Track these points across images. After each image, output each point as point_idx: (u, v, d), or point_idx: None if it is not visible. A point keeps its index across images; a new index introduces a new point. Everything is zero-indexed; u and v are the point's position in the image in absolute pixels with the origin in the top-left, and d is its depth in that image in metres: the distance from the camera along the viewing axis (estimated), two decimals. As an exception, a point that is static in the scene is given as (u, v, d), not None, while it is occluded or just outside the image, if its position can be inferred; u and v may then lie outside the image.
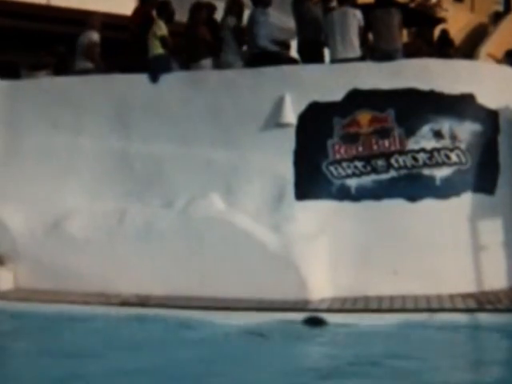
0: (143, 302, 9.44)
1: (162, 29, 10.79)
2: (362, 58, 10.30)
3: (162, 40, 10.71)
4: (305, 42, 10.73)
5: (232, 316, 8.87)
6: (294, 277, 9.42)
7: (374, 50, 10.40)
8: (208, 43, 10.87)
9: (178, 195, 10.15)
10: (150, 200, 10.23)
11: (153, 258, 9.83)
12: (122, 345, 8.10)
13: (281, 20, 12.31)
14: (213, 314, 8.95)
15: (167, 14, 11.04)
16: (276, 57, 10.48)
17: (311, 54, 10.47)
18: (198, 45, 10.85)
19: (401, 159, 9.79)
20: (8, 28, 13.06)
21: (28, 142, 10.91)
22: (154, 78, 10.58)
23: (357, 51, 10.29)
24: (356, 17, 10.34)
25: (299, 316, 8.76)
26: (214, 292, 9.42)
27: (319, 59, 10.39)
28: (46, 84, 11.19)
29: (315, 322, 8.69)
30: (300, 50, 10.88)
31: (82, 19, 11.70)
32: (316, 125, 9.97)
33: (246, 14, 11.14)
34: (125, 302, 9.45)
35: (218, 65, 10.90)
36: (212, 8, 11.63)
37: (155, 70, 10.64)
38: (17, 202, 10.55)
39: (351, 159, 9.88)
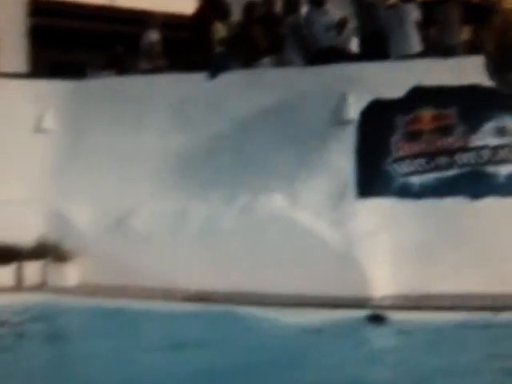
0: (205, 298, 9.54)
1: (219, 31, 10.92)
2: (424, 54, 10.24)
3: (220, 42, 10.84)
4: (367, 36, 10.70)
5: (293, 313, 8.90)
6: (356, 274, 9.42)
7: (436, 45, 10.34)
8: (264, 42, 10.92)
9: (239, 193, 10.22)
10: (211, 197, 10.33)
11: (215, 254, 9.94)
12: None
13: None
14: (274, 310, 8.98)
15: (222, 11, 11.13)
16: (334, 53, 10.45)
17: (374, 47, 10.42)
18: (255, 45, 10.92)
19: (464, 156, 9.73)
20: (74, 29, 13.32)
21: (92, 140, 11.13)
22: (212, 75, 10.68)
23: (416, 47, 10.24)
24: (413, 12, 10.29)
25: (361, 313, 8.75)
26: (276, 288, 9.46)
27: (383, 52, 10.31)
28: (109, 84, 11.38)
29: (377, 320, 8.67)
30: (362, 45, 10.85)
31: (144, 19, 11.88)
32: (378, 122, 9.96)
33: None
34: (187, 298, 9.57)
35: (279, 63, 10.95)
36: (270, 2, 11.61)
37: (213, 67, 10.74)
38: (82, 200, 10.77)
39: (414, 156, 9.84)
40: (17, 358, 7.94)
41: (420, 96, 9.84)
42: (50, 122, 11.28)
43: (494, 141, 9.67)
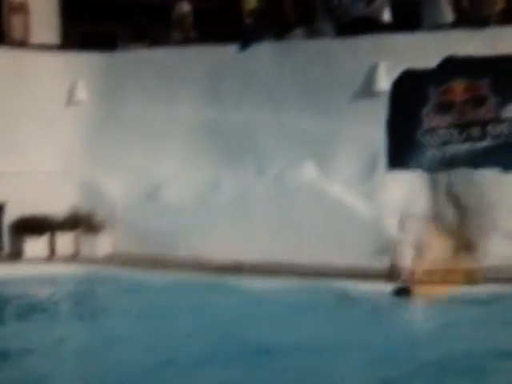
0: (236, 267, 9.59)
1: (249, 3, 10.92)
2: (457, 24, 10.13)
3: (250, 14, 10.81)
4: (398, 6, 10.60)
5: (322, 282, 8.93)
6: (385, 245, 9.40)
7: (469, 16, 10.22)
8: (295, 13, 10.87)
9: (270, 163, 10.26)
10: (243, 168, 10.36)
11: (245, 224, 9.98)
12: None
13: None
14: (303, 280, 9.03)
15: None
16: (365, 23, 10.37)
17: (406, 17, 10.32)
18: (286, 16, 10.88)
19: (497, 127, 9.63)
20: (105, 0, 13.28)
21: (125, 112, 11.20)
22: (243, 47, 10.68)
23: (448, 17, 10.13)
24: None
25: (390, 285, 8.73)
26: (305, 259, 9.49)
27: (415, 23, 10.24)
28: (141, 55, 11.41)
29: (404, 292, 8.66)
30: (394, 15, 10.75)
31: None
32: (410, 93, 9.88)
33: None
34: (218, 268, 9.62)
35: (310, 34, 10.90)
36: None
37: (244, 39, 10.74)
38: (114, 171, 10.87)
39: (446, 127, 9.77)
40: (52, 328, 8.01)
41: (452, 67, 9.74)
42: (81, 93, 11.36)
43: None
